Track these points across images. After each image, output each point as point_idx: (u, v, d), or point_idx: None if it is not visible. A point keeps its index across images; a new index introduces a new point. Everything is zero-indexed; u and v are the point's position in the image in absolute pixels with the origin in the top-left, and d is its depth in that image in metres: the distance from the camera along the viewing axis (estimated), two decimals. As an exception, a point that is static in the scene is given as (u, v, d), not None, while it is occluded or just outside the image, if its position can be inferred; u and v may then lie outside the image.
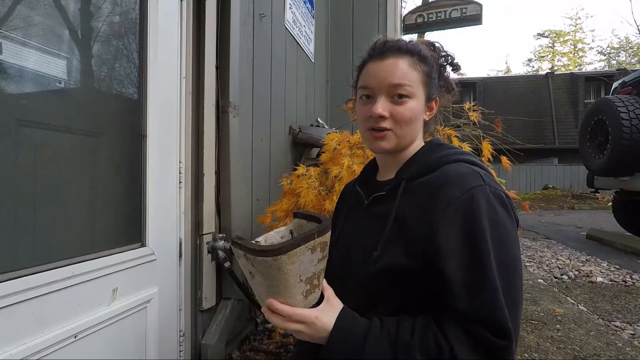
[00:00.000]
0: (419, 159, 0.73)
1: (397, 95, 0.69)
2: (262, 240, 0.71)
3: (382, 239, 0.66)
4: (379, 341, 0.59)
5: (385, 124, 0.69)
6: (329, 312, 0.62)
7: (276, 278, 0.57)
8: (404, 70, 0.69)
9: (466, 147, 1.38)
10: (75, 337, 0.86)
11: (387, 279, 0.64)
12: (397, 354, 0.57)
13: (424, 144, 0.77)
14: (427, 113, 0.75)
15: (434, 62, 0.75)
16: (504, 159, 1.55)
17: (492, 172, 1.42)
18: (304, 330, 0.59)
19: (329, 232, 0.61)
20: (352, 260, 0.72)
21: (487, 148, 1.39)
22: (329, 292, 0.65)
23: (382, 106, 0.69)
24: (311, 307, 0.62)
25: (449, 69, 0.80)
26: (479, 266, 0.57)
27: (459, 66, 0.81)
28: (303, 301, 0.60)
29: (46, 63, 0.87)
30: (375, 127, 0.70)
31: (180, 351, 1.27)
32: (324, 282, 0.65)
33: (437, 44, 0.78)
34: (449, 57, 0.79)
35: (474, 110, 1.48)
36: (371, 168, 0.85)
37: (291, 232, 0.73)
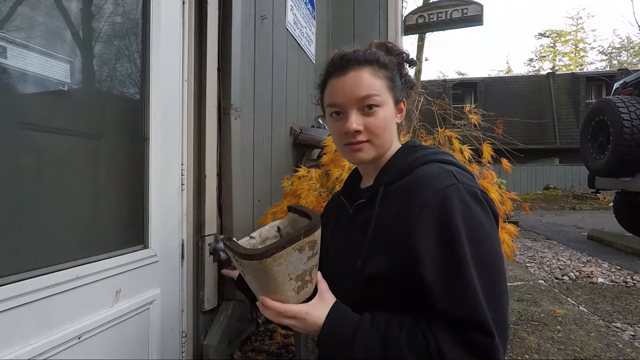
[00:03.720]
0: (394, 163, 0.73)
1: (367, 106, 0.69)
2: (257, 235, 0.72)
3: (364, 248, 0.67)
4: (368, 335, 0.60)
5: (362, 137, 0.70)
6: (320, 307, 0.63)
7: (264, 279, 0.58)
8: (368, 81, 0.69)
9: (466, 149, 1.39)
10: (79, 338, 0.86)
11: (373, 286, 0.65)
12: (386, 348, 0.58)
13: (400, 146, 0.77)
14: (398, 115, 0.76)
15: (393, 65, 0.75)
16: (504, 160, 1.56)
17: (492, 173, 1.43)
18: (297, 324, 0.62)
19: (319, 230, 0.61)
20: (340, 270, 0.72)
21: (487, 150, 1.40)
22: (323, 285, 0.66)
23: (355, 121, 0.69)
24: (304, 301, 0.63)
25: (406, 66, 0.80)
26: (455, 267, 0.57)
27: (415, 62, 0.82)
28: (295, 296, 0.61)
29: (50, 66, 0.88)
30: (352, 141, 0.71)
31: (182, 352, 1.28)
32: (319, 275, 0.66)
33: (389, 45, 0.78)
34: (404, 55, 0.79)
35: (474, 113, 1.48)
36: (354, 177, 0.86)
37: (279, 229, 0.73)
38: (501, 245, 0.64)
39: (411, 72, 0.83)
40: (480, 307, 0.55)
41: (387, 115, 0.71)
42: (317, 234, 0.61)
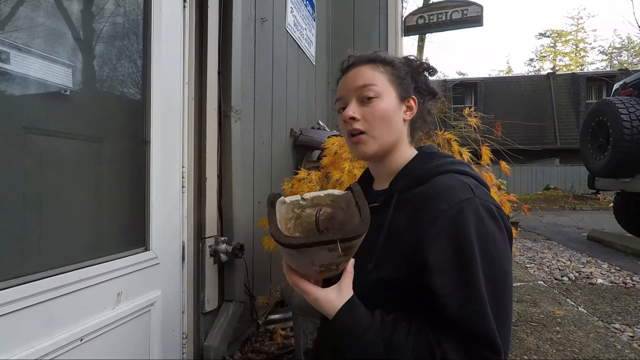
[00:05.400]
0: (410, 169, 0.73)
1: (365, 97, 0.72)
2: (309, 197, 0.69)
3: (375, 252, 0.68)
4: (375, 341, 0.59)
5: (358, 125, 0.72)
6: (335, 297, 0.62)
7: (288, 258, 0.61)
8: (367, 74, 0.73)
9: (465, 152, 1.40)
10: (81, 340, 0.87)
11: (381, 290, 0.66)
12: (389, 354, 0.58)
13: (416, 151, 0.78)
14: (407, 112, 0.75)
15: (402, 66, 0.76)
16: (502, 163, 1.56)
17: (491, 175, 1.44)
18: (307, 299, 0.64)
19: (360, 239, 0.59)
20: None
21: (486, 153, 1.41)
22: (347, 280, 0.64)
23: (352, 109, 0.72)
24: (326, 281, 0.64)
25: (425, 74, 0.81)
26: (467, 282, 0.58)
27: (435, 70, 0.82)
28: (316, 275, 0.62)
29: (52, 70, 0.89)
30: (350, 131, 0.73)
31: (183, 353, 1.29)
32: (350, 266, 0.65)
33: (410, 56, 0.81)
34: (424, 64, 0.80)
35: (473, 116, 1.49)
36: (366, 177, 0.87)
37: (332, 203, 0.70)
38: (511, 262, 0.64)
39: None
40: (490, 324, 0.56)
41: (387, 107, 0.72)
42: (356, 243, 0.60)
